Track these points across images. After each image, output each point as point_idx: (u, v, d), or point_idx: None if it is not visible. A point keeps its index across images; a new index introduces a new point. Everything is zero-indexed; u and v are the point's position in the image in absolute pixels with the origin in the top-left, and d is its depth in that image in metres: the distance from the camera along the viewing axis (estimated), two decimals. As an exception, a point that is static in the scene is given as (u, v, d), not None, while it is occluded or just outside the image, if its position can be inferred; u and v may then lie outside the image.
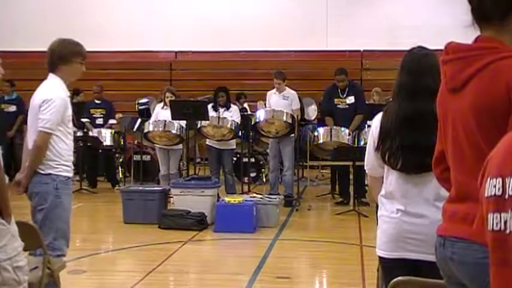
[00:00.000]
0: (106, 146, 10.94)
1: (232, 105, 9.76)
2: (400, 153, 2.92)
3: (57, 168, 4.29)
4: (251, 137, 9.91)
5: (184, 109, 8.92)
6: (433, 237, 2.19)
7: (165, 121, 9.37)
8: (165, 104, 9.64)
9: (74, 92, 11.28)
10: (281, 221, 8.24)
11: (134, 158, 11.11)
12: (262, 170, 11.59)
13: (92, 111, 11.40)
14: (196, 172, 11.27)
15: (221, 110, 9.49)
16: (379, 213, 3.10)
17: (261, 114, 9.34)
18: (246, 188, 9.85)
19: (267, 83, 10.57)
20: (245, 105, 12.59)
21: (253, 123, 9.42)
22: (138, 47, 15.06)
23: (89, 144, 10.87)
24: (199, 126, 9.31)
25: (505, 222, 1.51)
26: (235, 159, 10.55)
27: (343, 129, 9.15)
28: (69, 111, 4.37)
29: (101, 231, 8.40)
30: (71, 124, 4.44)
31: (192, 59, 15.47)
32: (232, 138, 9.51)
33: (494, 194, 1.55)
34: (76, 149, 8.55)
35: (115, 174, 11.55)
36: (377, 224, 3.13)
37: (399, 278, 2.57)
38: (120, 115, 11.90)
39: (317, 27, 14.89)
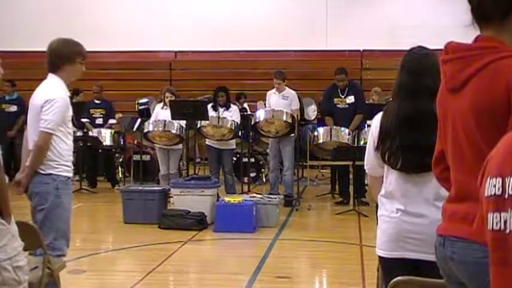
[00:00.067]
0: (106, 146, 10.94)
1: (232, 105, 9.75)
2: (400, 153, 2.92)
3: (57, 168, 4.29)
4: (251, 137, 9.91)
5: (184, 109, 8.92)
6: (433, 236, 2.19)
7: (165, 121, 9.37)
8: (165, 104, 9.64)
9: (74, 92, 11.28)
10: (281, 221, 8.24)
11: (134, 158, 11.11)
12: (262, 169, 11.58)
13: (91, 111, 11.40)
14: (196, 172, 11.25)
15: (221, 109, 9.49)
16: (379, 213, 3.11)
17: (260, 114, 9.33)
18: (245, 188, 9.85)
19: (267, 83, 10.55)
20: (245, 105, 12.58)
21: (253, 123, 9.42)
22: (138, 47, 15.04)
23: (88, 144, 10.87)
24: (199, 126, 9.30)
25: (505, 222, 1.51)
26: (235, 159, 10.54)
27: (343, 129, 9.14)
28: (70, 112, 4.38)
29: (100, 231, 8.39)
30: (71, 124, 4.44)
31: (192, 58, 15.46)
32: (232, 138, 9.50)
33: (494, 194, 1.55)
34: (76, 149, 8.54)
35: (115, 174, 11.55)
36: (377, 223, 3.13)
37: (399, 277, 2.57)
38: (120, 115, 11.89)
39: (317, 27, 14.87)
